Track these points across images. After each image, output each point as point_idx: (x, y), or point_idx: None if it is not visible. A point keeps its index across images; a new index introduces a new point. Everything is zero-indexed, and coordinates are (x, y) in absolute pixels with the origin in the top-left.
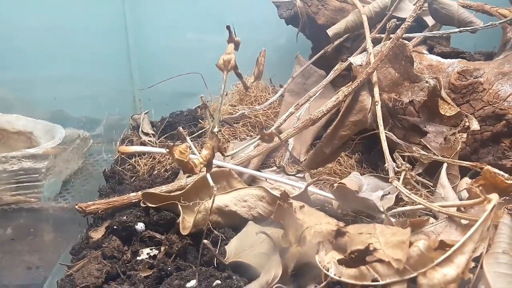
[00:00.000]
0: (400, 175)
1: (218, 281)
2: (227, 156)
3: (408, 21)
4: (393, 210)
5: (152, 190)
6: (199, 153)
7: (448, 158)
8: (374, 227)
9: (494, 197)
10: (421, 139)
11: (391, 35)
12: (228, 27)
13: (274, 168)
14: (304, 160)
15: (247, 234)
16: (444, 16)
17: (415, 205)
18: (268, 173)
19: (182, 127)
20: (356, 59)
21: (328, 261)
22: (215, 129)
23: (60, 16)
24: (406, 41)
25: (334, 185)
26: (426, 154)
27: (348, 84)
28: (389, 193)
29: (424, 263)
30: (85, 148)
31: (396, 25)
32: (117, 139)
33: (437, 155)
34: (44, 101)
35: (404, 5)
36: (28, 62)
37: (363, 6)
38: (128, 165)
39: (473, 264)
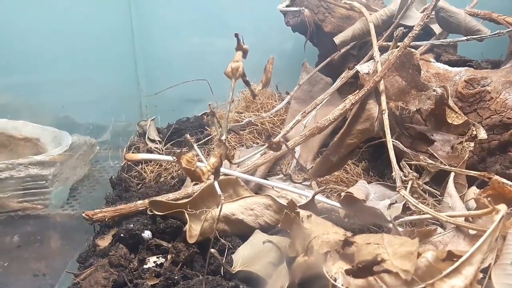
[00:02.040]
0: (407, 183)
1: None
2: (235, 164)
3: (416, 30)
4: (400, 219)
5: (159, 198)
6: (207, 161)
7: (455, 167)
8: (382, 237)
9: (503, 208)
10: (428, 148)
11: (399, 43)
12: (236, 35)
13: (281, 176)
14: (311, 168)
15: (254, 243)
16: (451, 24)
17: (422, 214)
18: (275, 181)
19: (189, 134)
20: (363, 67)
21: (335, 271)
22: (223, 137)
23: (66, 21)
24: (413, 50)
25: (341, 194)
26: (433, 163)
27: (355, 93)
28: (396, 202)
29: (432, 274)
30: (91, 154)
31: (403, 33)
32: (123, 146)
33: (444, 164)
34: (51, 107)
35: (411, 13)
36: (35, 67)
37: (370, 14)
38: (135, 172)
39: (481, 275)
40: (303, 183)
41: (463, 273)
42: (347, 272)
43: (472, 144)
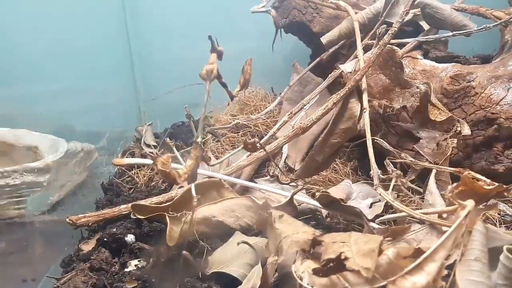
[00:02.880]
0: (391, 182)
1: None
2: (212, 165)
3: (395, 27)
4: (381, 218)
5: (142, 202)
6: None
7: (439, 164)
8: (350, 235)
9: (469, 204)
10: (414, 145)
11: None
12: (210, 37)
13: (268, 177)
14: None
15: (232, 245)
16: (437, 20)
17: (400, 212)
18: (262, 183)
19: (183, 139)
20: (347, 66)
21: (302, 270)
22: (198, 139)
23: (63, 32)
24: (395, 47)
25: (316, 193)
26: (413, 160)
27: (338, 92)
28: (380, 200)
29: (394, 271)
30: (89, 161)
31: (386, 30)
32: (121, 152)
33: (430, 161)
34: (50, 115)
35: (399, 10)
36: (34, 78)
37: (356, 13)
38: (128, 177)
39: (446, 272)
40: (290, 184)
41: (426, 269)
42: (316, 271)
43: (455, 140)
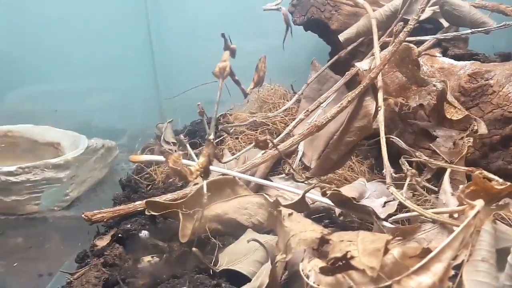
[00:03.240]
0: (406, 180)
1: None
2: (224, 163)
3: (411, 24)
4: (393, 217)
5: (157, 199)
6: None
7: (454, 163)
8: (358, 234)
9: (478, 203)
10: (431, 144)
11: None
12: (222, 35)
13: (283, 175)
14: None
15: (243, 242)
16: (456, 17)
17: (412, 211)
18: (277, 180)
19: (201, 136)
20: (363, 64)
21: (309, 268)
22: (211, 137)
23: (86, 31)
24: (411, 45)
25: (327, 192)
26: (427, 159)
27: (353, 90)
28: (393, 199)
29: (399, 271)
30: (110, 157)
31: (402, 28)
32: (140, 148)
33: (446, 160)
34: (74, 113)
35: (417, 7)
36: (59, 75)
37: (374, 10)
38: (146, 174)
39: (453, 272)
40: (305, 182)
41: (432, 269)
42: (324, 270)
43: (472, 139)
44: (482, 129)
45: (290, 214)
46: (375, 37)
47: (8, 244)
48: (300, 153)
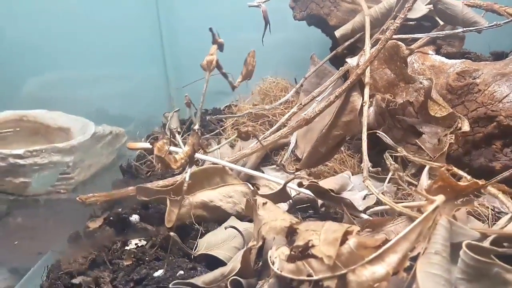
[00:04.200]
0: (393, 174)
1: (182, 271)
2: (209, 152)
3: (397, 23)
4: (371, 209)
5: (148, 185)
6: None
7: (435, 159)
8: (323, 224)
9: (439, 199)
10: (417, 140)
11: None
12: (211, 29)
13: (274, 166)
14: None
15: (224, 229)
16: (449, 16)
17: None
18: (269, 171)
19: (204, 126)
20: (353, 60)
21: (276, 256)
22: (196, 126)
23: (98, 21)
24: (399, 42)
25: (303, 183)
26: (407, 154)
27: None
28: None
29: (355, 260)
30: (118, 143)
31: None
32: (144, 136)
33: (430, 156)
34: (86, 100)
35: (416, 5)
36: (72, 64)
37: (371, 8)
38: (147, 161)
39: (409, 264)
40: (295, 174)
41: (386, 260)
42: (288, 258)
43: (453, 136)
44: (465, 126)
45: (264, 203)
46: (367, 34)
47: (13, 223)
48: (292, 145)
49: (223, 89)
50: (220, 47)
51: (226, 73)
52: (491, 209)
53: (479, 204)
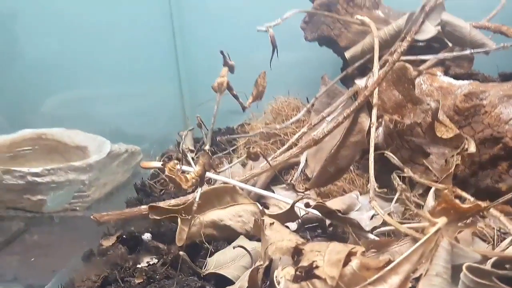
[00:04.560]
0: (401, 195)
1: None
2: (220, 172)
3: (404, 45)
4: (378, 230)
5: (160, 204)
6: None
7: (441, 180)
8: (328, 245)
9: (441, 221)
10: (424, 160)
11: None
12: (222, 52)
13: (284, 185)
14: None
15: (233, 248)
16: (457, 38)
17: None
18: (278, 190)
19: (216, 144)
20: (362, 82)
21: (281, 276)
22: (206, 147)
23: (114, 40)
24: (407, 64)
25: (310, 203)
26: (413, 175)
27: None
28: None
29: (358, 281)
30: (133, 162)
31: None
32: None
33: (438, 177)
34: (102, 117)
35: (424, 27)
36: (89, 82)
37: (380, 29)
38: (161, 179)
39: (410, 285)
40: (305, 193)
41: (388, 281)
42: (294, 278)
43: (460, 157)
44: (472, 148)
45: (271, 223)
46: (376, 55)
47: (30, 240)
48: (301, 165)
49: (236, 108)
50: (231, 69)
51: (237, 95)
52: (497, 230)
53: (485, 225)
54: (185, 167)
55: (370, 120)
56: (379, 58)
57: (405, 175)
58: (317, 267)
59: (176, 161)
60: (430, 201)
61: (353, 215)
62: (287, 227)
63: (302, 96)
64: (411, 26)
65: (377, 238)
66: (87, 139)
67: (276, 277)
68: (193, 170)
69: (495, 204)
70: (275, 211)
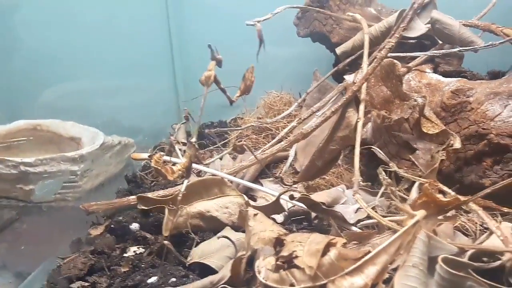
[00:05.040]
0: (386, 189)
1: (174, 279)
2: (206, 164)
3: (392, 42)
4: (362, 223)
5: (148, 194)
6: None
7: (425, 175)
8: (309, 236)
9: (419, 214)
10: (411, 156)
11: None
12: (209, 46)
13: (272, 178)
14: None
15: (217, 238)
16: (446, 35)
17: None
18: (267, 183)
19: (208, 138)
20: (351, 77)
21: (262, 265)
22: (193, 139)
23: (111, 35)
24: (395, 61)
25: (294, 195)
26: (397, 169)
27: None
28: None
29: (335, 271)
30: (127, 153)
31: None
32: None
33: (423, 172)
34: (97, 110)
35: (415, 24)
36: (86, 74)
37: (371, 26)
38: (152, 171)
39: (387, 276)
40: (293, 186)
41: (365, 272)
42: (274, 267)
43: (444, 153)
44: (457, 144)
45: (255, 215)
46: (365, 51)
47: (21, 229)
48: (290, 158)
49: (227, 102)
50: (219, 63)
51: (224, 88)
52: (480, 225)
53: (468, 220)
54: (174, 159)
55: (358, 115)
56: (370, 54)
57: (391, 169)
58: (296, 257)
59: (162, 153)
60: (414, 195)
61: (338, 208)
62: (273, 219)
63: (295, 91)
64: (402, 23)
65: (360, 231)
66: (81, 130)
67: (257, 266)
68: (179, 162)
69: (474, 198)
70: (263, 203)
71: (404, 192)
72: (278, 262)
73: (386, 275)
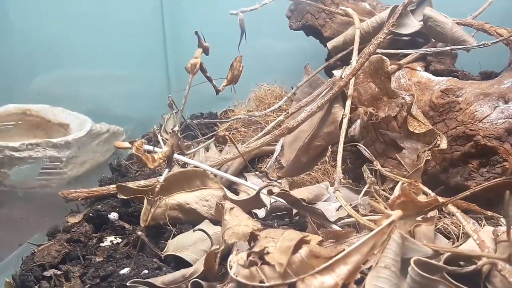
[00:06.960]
0: (370, 188)
1: (146, 271)
2: (187, 154)
3: (380, 37)
4: (342, 221)
5: (129, 184)
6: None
7: (409, 174)
8: (283, 232)
9: (395, 214)
10: (397, 155)
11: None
12: (196, 33)
13: (257, 172)
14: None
15: (193, 232)
16: (438, 33)
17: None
18: (251, 177)
19: (198, 129)
20: (339, 72)
21: (234, 260)
22: (176, 128)
23: (104, 23)
24: (384, 57)
25: (273, 190)
26: (381, 169)
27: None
28: (351, 204)
29: (306, 269)
30: (115, 142)
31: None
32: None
33: (408, 171)
34: (89, 97)
35: (408, 21)
36: (78, 62)
37: (363, 21)
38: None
39: (359, 276)
40: (277, 181)
41: (336, 271)
42: (252, 263)
43: (430, 153)
44: (443, 144)
45: (231, 208)
46: (356, 47)
47: (2, 214)
48: (276, 153)
49: (222, 93)
50: (205, 51)
51: (210, 77)
52: (462, 228)
53: (451, 223)
54: (158, 149)
55: (344, 111)
56: (360, 50)
57: (375, 168)
58: (268, 253)
59: (144, 140)
60: (396, 194)
61: (320, 205)
62: (255, 214)
63: (288, 85)
64: (399, 20)
65: (340, 229)
66: (69, 117)
67: (230, 261)
68: (161, 151)
69: (453, 200)
70: (243, 197)
71: (388, 191)
72: (250, 258)
73: (358, 276)
